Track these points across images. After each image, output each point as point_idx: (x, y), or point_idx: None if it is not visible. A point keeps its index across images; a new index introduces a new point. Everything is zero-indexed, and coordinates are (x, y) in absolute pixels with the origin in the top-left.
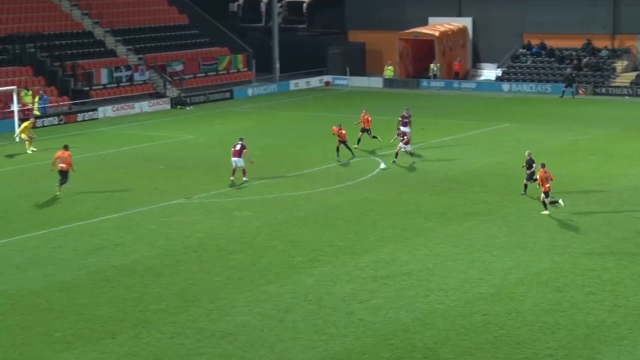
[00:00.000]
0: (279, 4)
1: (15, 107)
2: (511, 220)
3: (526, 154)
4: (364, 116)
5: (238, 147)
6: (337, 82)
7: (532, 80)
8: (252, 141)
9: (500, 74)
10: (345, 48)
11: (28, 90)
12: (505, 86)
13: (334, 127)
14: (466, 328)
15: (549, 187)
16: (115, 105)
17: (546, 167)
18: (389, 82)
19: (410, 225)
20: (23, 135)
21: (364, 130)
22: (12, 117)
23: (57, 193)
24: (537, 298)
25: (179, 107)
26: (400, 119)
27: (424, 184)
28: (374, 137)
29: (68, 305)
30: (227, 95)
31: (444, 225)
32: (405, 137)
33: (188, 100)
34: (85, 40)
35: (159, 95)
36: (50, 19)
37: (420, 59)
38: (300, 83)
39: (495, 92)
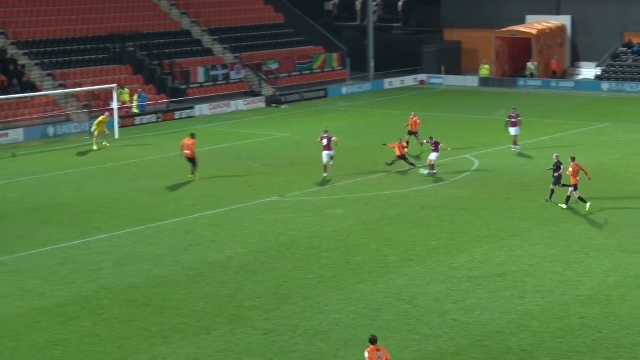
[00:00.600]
0: (375, 3)
1: (115, 105)
2: (610, 222)
3: (554, 156)
4: (412, 118)
5: (325, 141)
6: (432, 80)
7: (632, 80)
8: (346, 140)
9: (599, 73)
10: (440, 47)
11: (124, 88)
12: (605, 85)
13: (395, 144)
14: (563, 331)
15: (578, 180)
16: (212, 104)
17: (576, 160)
18: (484, 81)
19: (505, 225)
20: (96, 131)
21: (411, 133)
22: (112, 114)
23: (194, 178)
24: (637, 301)
25: (273, 105)
26: (507, 119)
27: (519, 184)
28: (421, 143)
29: (165, 300)
30: (322, 93)
31: (540, 226)
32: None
33: (283, 99)
34: (183, 39)
35: (254, 94)
36: (150, 18)
37: (516, 57)
38: (395, 82)
39: (594, 92)
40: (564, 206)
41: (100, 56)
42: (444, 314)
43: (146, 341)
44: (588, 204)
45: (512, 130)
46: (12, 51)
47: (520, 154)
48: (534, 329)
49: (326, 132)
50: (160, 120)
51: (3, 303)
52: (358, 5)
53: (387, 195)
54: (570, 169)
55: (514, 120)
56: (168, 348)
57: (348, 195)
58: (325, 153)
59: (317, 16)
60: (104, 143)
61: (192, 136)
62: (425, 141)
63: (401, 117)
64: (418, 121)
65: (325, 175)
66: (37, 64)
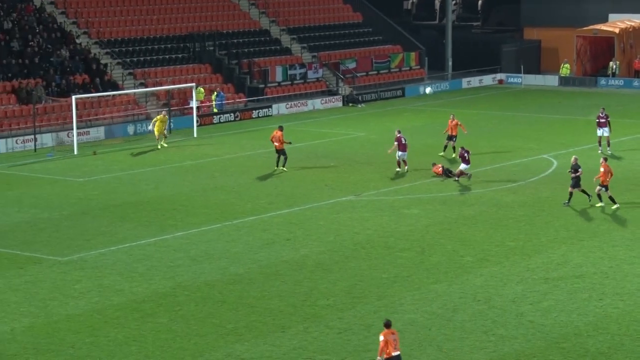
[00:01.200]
0: (454, 2)
1: (194, 103)
2: None
3: (572, 158)
4: (451, 122)
5: (404, 140)
6: (511, 80)
7: None
8: (423, 139)
9: None
10: (520, 46)
11: (199, 87)
12: None
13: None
14: None
15: (609, 181)
16: (289, 103)
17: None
18: (564, 81)
19: (584, 226)
20: (156, 130)
21: (450, 137)
22: (191, 113)
23: (284, 170)
24: None
25: (350, 104)
26: (597, 120)
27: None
28: (453, 147)
29: (240, 297)
30: (399, 93)
31: (621, 228)
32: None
33: (360, 98)
34: (262, 39)
35: (331, 93)
36: (229, 17)
37: (598, 56)
38: (473, 81)
39: None
40: (616, 205)
41: (180, 55)
42: (520, 315)
43: (221, 338)
44: (616, 205)
45: (600, 131)
46: (94, 50)
47: (611, 155)
48: (613, 332)
49: (399, 131)
50: (238, 118)
51: (82, 299)
52: (437, 4)
53: (464, 195)
54: (602, 169)
55: (602, 120)
56: (243, 345)
57: (424, 194)
58: (399, 153)
59: (396, 15)
60: (162, 144)
61: (280, 128)
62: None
63: (479, 117)
64: (459, 124)
65: (398, 169)
66: (118, 63)
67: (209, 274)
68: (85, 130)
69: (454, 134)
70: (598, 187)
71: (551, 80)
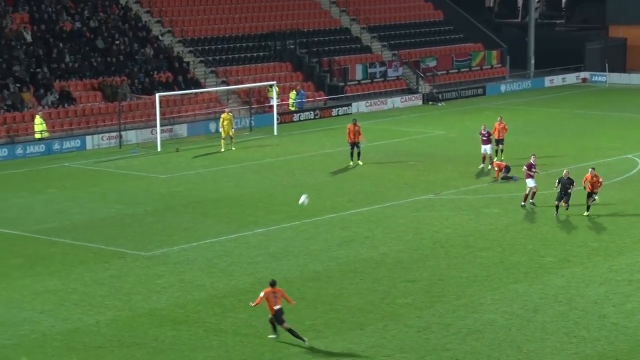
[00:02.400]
0: None
1: (274, 102)
2: None
3: (564, 172)
4: (498, 125)
5: (485, 136)
6: (595, 78)
7: None
8: (504, 138)
9: None
10: (605, 44)
11: (273, 86)
12: None
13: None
14: None
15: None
16: (369, 101)
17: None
18: None
19: None
20: (223, 130)
21: (497, 141)
22: (272, 111)
23: (359, 163)
24: None
25: (430, 103)
26: None
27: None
28: (496, 150)
29: (319, 295)
30: (480, 91)
31: None
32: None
33: (440, 96)
34: (342, 37)
35: (411, 91)
36: (310, 16)
37: None
38: (556, 79)
39: None
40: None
41: (261, 54)
42: (602, 317)
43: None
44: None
45: None
46: (178, 49)
47: None
48: None
49: (484, 127)
50: (317, 117)
51: (164, 293)
52: (520, 1)
53: (545, 195)
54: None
55: None
56: (322, 342)
57: (504, 194)
58: (483, 147)
59: (477, 13)
60: (231, 147)
61: (355, 122)
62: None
63: (562, 116)
64: (506, 127)
65: (482, 166)
66: (201, 62)
67: (287, 270)
68: (168, 127)
69: (500, 137)
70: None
71: (637, 79)
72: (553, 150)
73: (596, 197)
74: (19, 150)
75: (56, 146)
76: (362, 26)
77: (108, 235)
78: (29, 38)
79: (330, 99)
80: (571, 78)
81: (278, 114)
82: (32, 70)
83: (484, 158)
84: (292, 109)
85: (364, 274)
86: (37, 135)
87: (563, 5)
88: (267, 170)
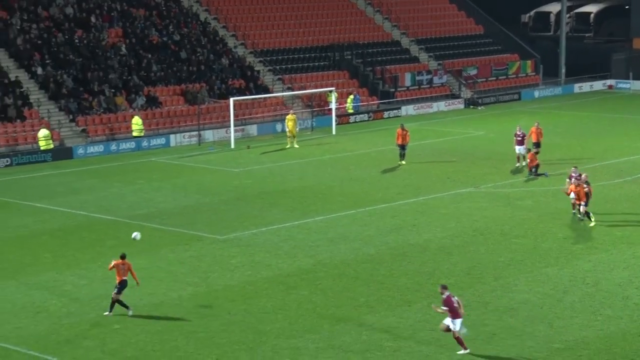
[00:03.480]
0: (568, 15)
1: (333, 105)
2: None
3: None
4: (536, 130)
5: (520, 137)
6: (620, 85)
7: None
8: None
9: None
10: (629, 54)
11: (332, 91)
12: None
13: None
14: None
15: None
16: (416, 105)
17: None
18: None
19: None
20: (289, 130)
21: (535, 144)
22: (331, 113)
23: (402, 163)
24: None
25: (471, 107)
26: None
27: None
28: (537, 152)
29: (371, 275)
30: (515, 96)
31: None
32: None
33: (480, 101)
34: (393, 49)
35: (454, 97)
36: (365, 30)
37: None
38: (584, 86)
39: None
40: (592, 222)
41: (322, 63)
42: (626, 298)
43: (355, 310)
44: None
45: None
46: (249, 59)
47: None
48: None
49: (519, 127)
50: (371, 118)
51: (236, 272)
52: (552, 17)
53: None
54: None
55: None
56: (374, 317)
57: (537, 188)
58: (517, 147)
59: (514, 27)
60: (294, 145)
61: (402, 126)
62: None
63: (590, 119)
64: (542, 132)
65: (518, 165)
66: (269, 70)
67: (344, 253)
68: (240, 127)
69: (537, 140)
70: (583, 208)
71: None
72: (581, 149)
73: (583, 209)
74: (113, 147)
75: (144, 143)
76: (411, 39)
77: (188, 221)
78: (122, 50)
79: (382, 103)
80: (598, 85)
81: (336, 116)
82: (124, 77)
83: (518, 157)
84: (349, 111)
85: (411, 257)
86: (135, 134)
87: (591, 20)
88: (326, 166)
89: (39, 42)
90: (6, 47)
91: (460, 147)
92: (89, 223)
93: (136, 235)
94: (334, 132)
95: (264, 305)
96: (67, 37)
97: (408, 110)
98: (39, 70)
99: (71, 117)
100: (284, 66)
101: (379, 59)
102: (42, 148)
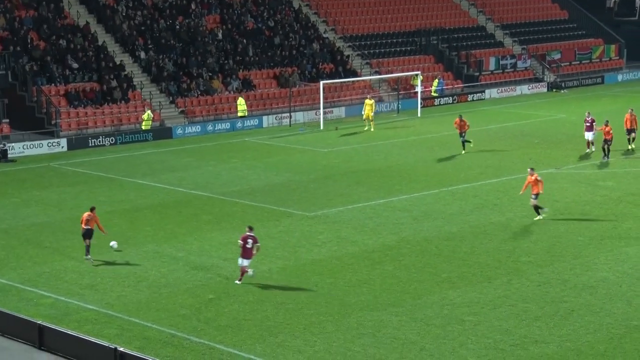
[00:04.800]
0: None
1: (419, 88)
2: None
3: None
4: (630, 116)
5: (588, 123)
6: None
7: None
8: (620, 121)
9: None
10: None
11: (417, 75)
12: None
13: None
14: None
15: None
16: (500, 88)
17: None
18: None
19: None
20: (366, 114)
21: (629, 130)
22: (416, 97)
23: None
24: None
25: (554, 90)
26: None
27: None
28: (632, 138)
29: (453, 252)
30: (599, 80)
31: None
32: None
33: (563, 85)
34: (478, 34)
35: (537, 80)
36: (451, 15)
37: None
38: None
39: None
40: (540, 216)
41: (408, 48)
42: None
43: (437, 285)
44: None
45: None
46: (339, 44)
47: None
48: None
49: (589, 114)
50: (455, 101)
51: (324, 247)
52: (637, 1)
53: None
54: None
55: (587, 124)
56: (455, 292)
57: (618, 169)
58: (587, 133)
59: (599, 12)
60: (371, 129)
61: (461, 117)
62: None
63: None
64: (637, 119)
65: (587, 150)
66: (358, 55)
67: (427, 231)
68: (329, 109)
69: (633, 127)
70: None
71: None
72: None
73: (535, 201)
74: (210, 128)
75: (239, 124)
76: (496, 24)
77: (279, 198)
78: (219, 35)
79: (466, 86)
80: None
81: (422, 99)
82: (221, 61)
83: (588, 143)
84: (434, 94)
85: (492, 235)
86: (240, 114)
87: None
88: (411, 147)
89: (143, 28)
90: (112, 32)
91: (542, 129)
92: (187, 199)
93: (113, 244)
94: (419, 115)
95: (350, 279)
96: (168, 23)
97: (492, 93)
98: (142, 55)
99: (171, 99)
100: (371, 51)
101: (464, 43)
102: (143, 128)
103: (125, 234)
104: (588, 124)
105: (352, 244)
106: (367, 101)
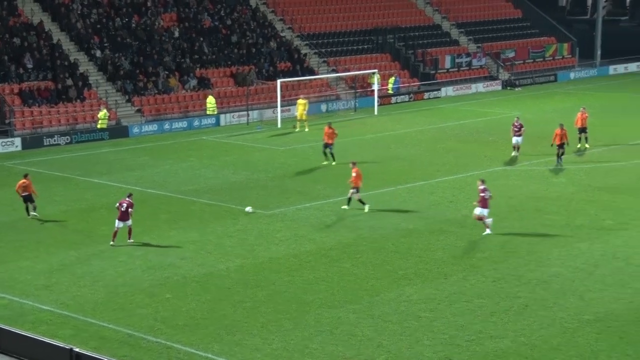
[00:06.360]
0: None
1: (376, 87)
2: None
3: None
4: (581, 115)
5: (516, 128)
6: None
7: None
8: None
9: None
10: None
11: (374, 74)
12: None
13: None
14: None
15: (359, 185)
16: (455, 86)
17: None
18: None
19: None
20: (299, 113)
21: (580, 129)
22: (373, 94)
23: (327, 163)
24: None
25: (508, 88)
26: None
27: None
28: (585, 138)
29: (410, 249)
30: (552, 78)
31: None
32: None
33: (517, 83)
34: (434, 32)
35: (492, 78)
36: (407, 14)
37: None
38: (619, 68)
39: None
40: (346, 207)
41: (365, 46)
42: None
43: (394, 282)
44: (367, 206)
45: (514, 140)
46: (296, 42)
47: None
48: None
49: (517, 118)
50: (412, 99)
51: (282, 245)
52: (589, 0)
53: (607, 167)
54: (354, 173)
55: (516, 129)
56: (412, 288)
57: (571, 166)
58: (514, 138)
59: (552, 11)
60: (304, 129)
61: (330, 124)
62: None
63: (624, 99)
64: (587, 116)
65: (513, 154)
66: (315, 53)
67: (384, 227)
68: (287, 107)
69: (583, 126)
70: (351, 191)
71: None
72: (615, 128)
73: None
74: (166, 126)
75: (196, 123)
76: (452, 23)
77: (236, 197)
78: (176, 34)
79: (422, 84)
80: (632, 67)
81: (378, 97)
82: (178, 60)
83: (514, 147)
84: (390, 92)
85: (448, 232)
86: (209, 112)
87: (627, 4)
88: (367, 144)
89: (98, 26)
90: (67, 30)
91: (497, 127)
92: (144, 198)
93: (249, 209)
94: (376, 113)
95: (307, 276)
96: (124, 21)
97: (448, 91)
98: (98, 53)
99: (127, 97)
100: (329, 49)
101: (420, 42)
102: (99, 127)
103: (81, 234)
104: (516, 129)
105: (309, 241)
106: (300, 101)
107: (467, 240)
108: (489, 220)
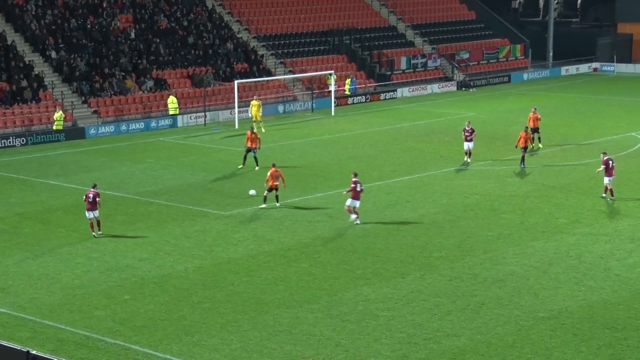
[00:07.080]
0: (556, 0)
1: (332, 88)
2: None
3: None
4: (533, 115)
5: (468, 132)
6: (605, 68)
7: None
8: (523, 119)
9: None
10: (613, 38)
11: (331, 75)
12: None
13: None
14: None
15: (277, 185)
16: (411, 87)
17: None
18: None
19: None
20: (254, 114)
21: (533, 130)
22: (330, 95)
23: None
24: None
25: (463, 89)
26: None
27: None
28: (539, 138)
29: (367, 248)
30: (506, 79)
31: None
32: None
33: (472, 83)
34: (390, 33)
35: (447, 79)
36: (363, 16)
37: None
38: (571, 69)
39: None
40: (264, 206)
41: (321, 47)
42: (607, 270)
43: (352, 281)
44: (278, 204)
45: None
46: (253, 43)
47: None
48: None
49: (468, 123)
50: (368, 100)
51: (240, 246)
52: (541, 2)
53: (561, 167)
54: (269, 174)
55: (467, 134)
56: (369, 288)
57: (526, 165)
58: (466, 143)
59: (505, 13)
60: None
61: (252, 129)
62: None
63: (575, 100)
64: (539, 117)
65: (466, 159)
66: (272, 54)
67: (342, 228)
68: (244, 109)
69: (535, 126)
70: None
71: None
72: (568, 129)
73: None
74: (123, 127)
75: (153, 124)
76: (407, 24)
77: (194, 198)
78: (132, 35)
79: (379, 85)
80: (584, 68)
81: (335, 98)
82: (134, 61)
83: (466, 152)
84: (347, 93)
85: (405, 232)
86: (171, 112)
87: (578, 6)
88: (325, 145)
89: (53, 27)
90: (22, 31)
91: (453, 127)
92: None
93: (252, 192)
94: (332, 114)
95: (266, 277)
96: (80, 22)
97: (403, 92)
98: (53, 54)
99: (83, 99)
100: (285, 50)
101: (376, 43)
102: (55, 128)
103: (37, 236)
104: (467, 134)
105: (268, 242)
106: (254, 102)
107: (424, 239)
108: (354, 216)
